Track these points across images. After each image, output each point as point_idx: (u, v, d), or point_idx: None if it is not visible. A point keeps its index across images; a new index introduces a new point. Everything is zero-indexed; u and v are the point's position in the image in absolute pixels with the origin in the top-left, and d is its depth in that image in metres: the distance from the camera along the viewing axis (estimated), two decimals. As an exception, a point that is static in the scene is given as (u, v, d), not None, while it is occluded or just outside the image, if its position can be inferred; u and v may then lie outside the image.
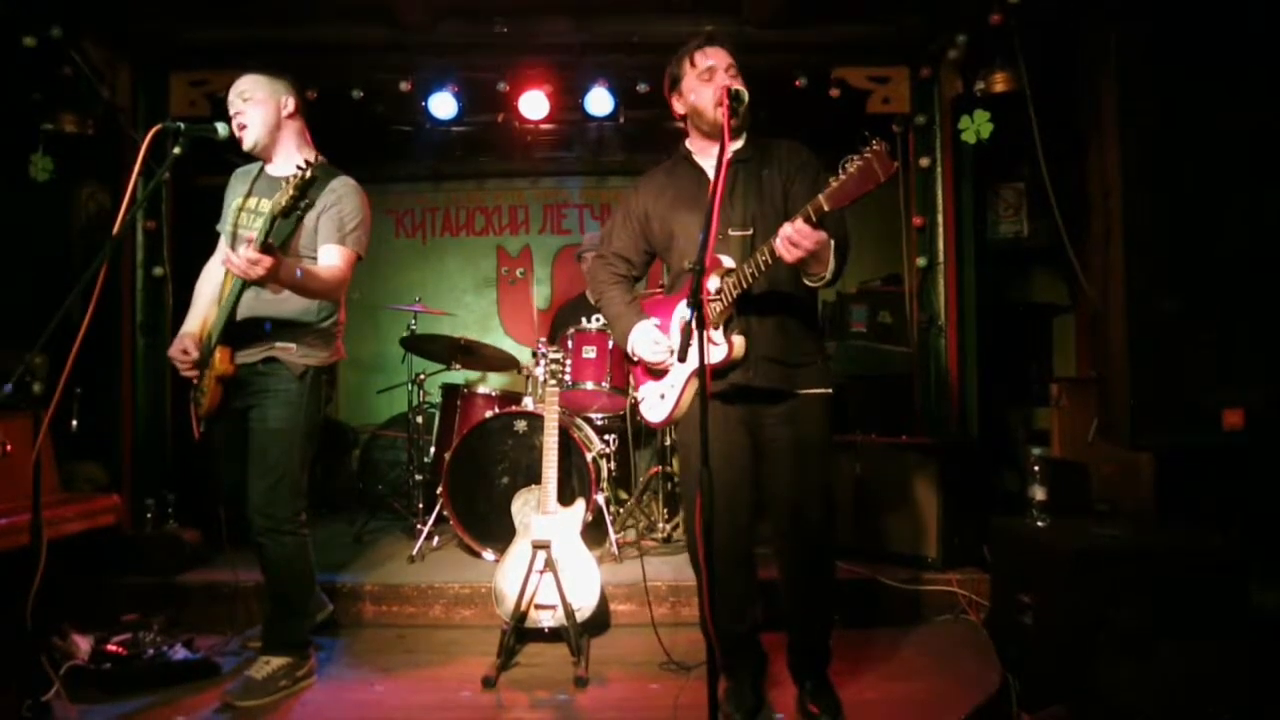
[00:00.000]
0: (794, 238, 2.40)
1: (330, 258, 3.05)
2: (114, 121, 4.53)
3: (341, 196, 3.09)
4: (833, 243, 2.52)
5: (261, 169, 3.24)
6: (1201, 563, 2.84)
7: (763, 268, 2.53)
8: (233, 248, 3.09)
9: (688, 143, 2.94)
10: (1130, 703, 2.67)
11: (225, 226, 3.20)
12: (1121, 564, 2.84)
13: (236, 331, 3.03)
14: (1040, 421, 4.98)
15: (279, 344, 3.08)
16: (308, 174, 2.70)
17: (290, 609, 3.22)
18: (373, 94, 4.91)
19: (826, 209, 2.35)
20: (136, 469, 4.59)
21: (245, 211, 3.15)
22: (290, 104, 3.18)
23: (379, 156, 6.44)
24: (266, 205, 3.00)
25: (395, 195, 7.09)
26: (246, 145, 3.12)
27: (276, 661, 3.12)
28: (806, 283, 2.65)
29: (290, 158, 3.16)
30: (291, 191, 2.72)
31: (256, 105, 3.09)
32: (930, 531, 4.08)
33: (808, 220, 2.38)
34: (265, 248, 2.69)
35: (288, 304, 3.06)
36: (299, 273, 2.84)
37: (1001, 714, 2.92)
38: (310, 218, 3.05)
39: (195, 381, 3.17)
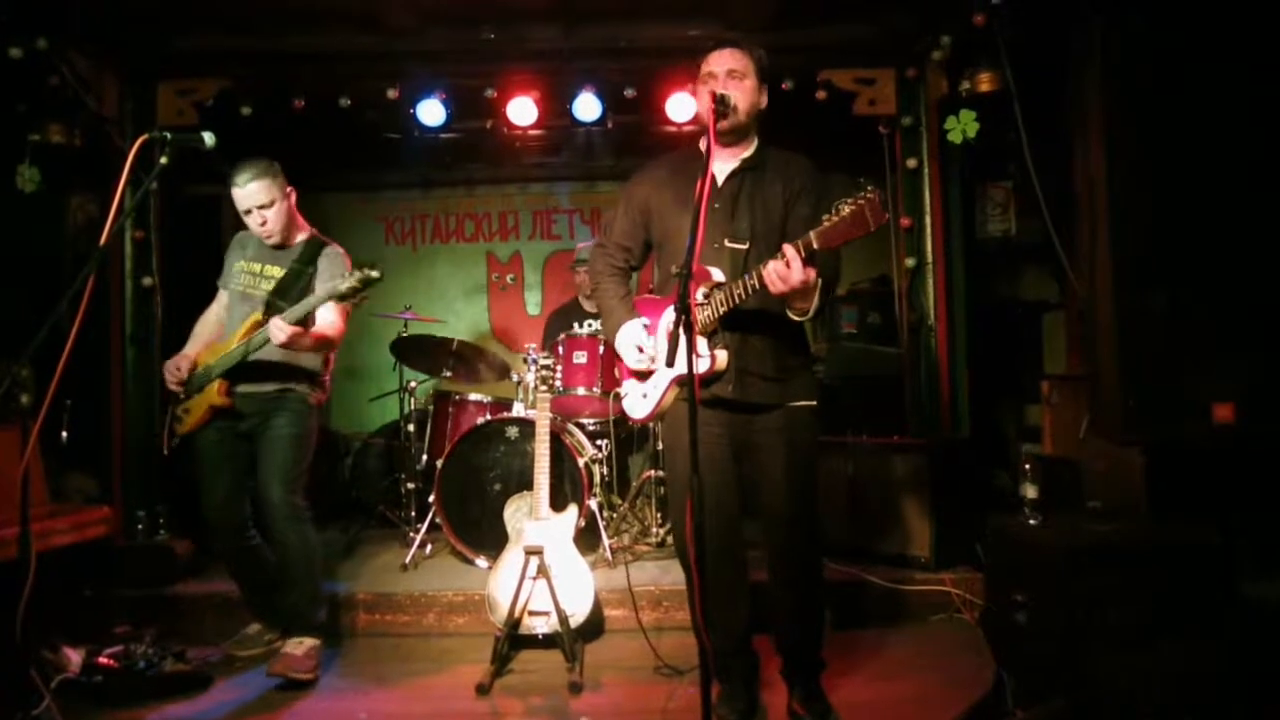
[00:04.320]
0: (782, 273, 2.40)
1: (330, 315, 3.40)
2: (101, 132, 4.52)
3: (333, 262, 3.49)
4: (820, 282, 2.52)
5: (262, 242, 3.53)
6: (1192, 557, 2.85)
7: (750, 292, 2.54)
8: (239, 303, 3.50)
9: (701, 142, 2.92)
10: (1124, 698, 2.68)
11: (234, 286, 3.52)
12: (1113, 560, 2.84)
13: (249, 369, 3.35)
14: (1031, 419, 4.99)
15: (293, 383, 3.46)
16: (373, 276, 3.06)
17: (313, 592, 3.45)
18: (361, 102, 4.90)
19: (815, 247, 2.37)
20: (127, 480, 4.57)
21: (249, 274, 3.51)
22: (289, 189, 3.49)
23: (368, 164, 6.44)
24: (272, 270, 3.49)
25: (385, 202, 7.09)
26: (272, 243, 3.50)
27: (309, 642, 3.35)
28: (789, 315, 2.64)
29: (291, 231, 3.54)
30: (355, 285, 3.08)
31: (272, 209, 3.42)
32: (923, 531, 4.08)
33: (798, 253, 2.39)
34: (301, 323, 3.21)
35: (303, 356, 3.44)
36: (312, 340, 3.31)
37: (996, 712, 2.92)
38: (314, 281, 3.46)
39: (181, 398, 3.45)
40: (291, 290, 3.43)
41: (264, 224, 3.41)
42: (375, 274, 3.07)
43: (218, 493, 3.43)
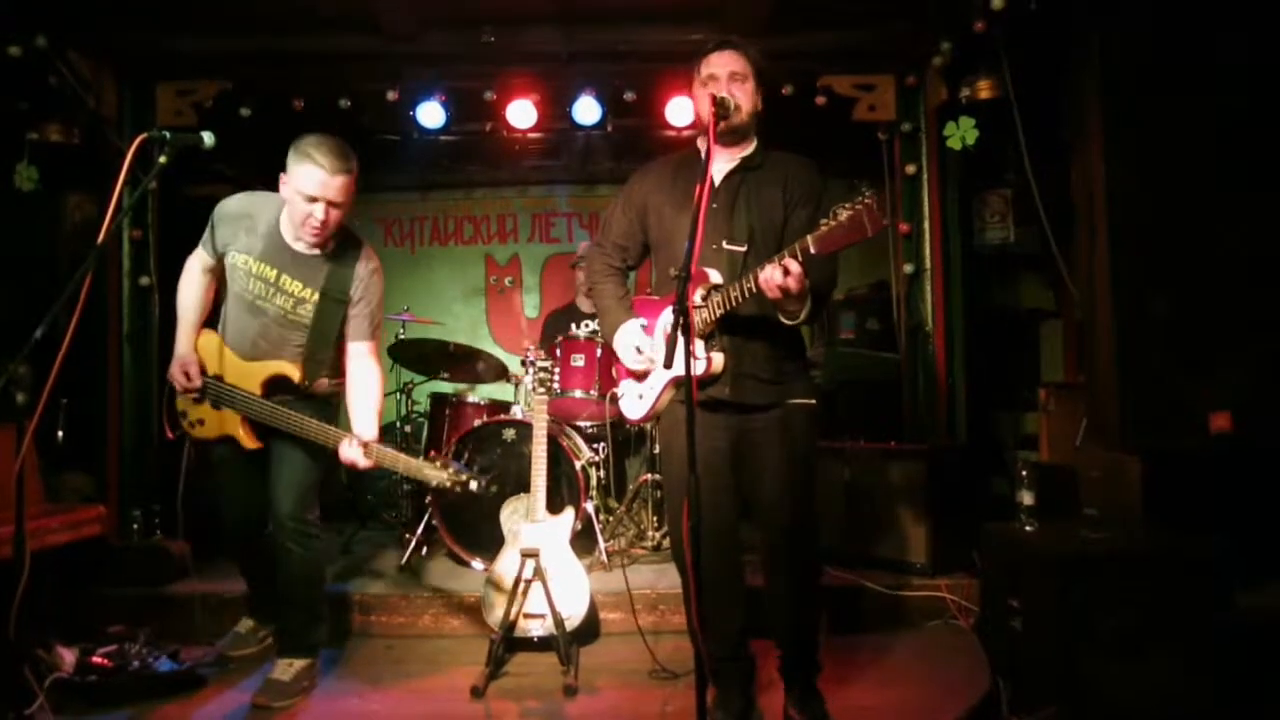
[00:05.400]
0: (779, 279, 2.40)
1: (366, 354, 3.17)
2: (100, 131, 4.52)
3: (368, 288, 3.14)
4: (811, 286, 2.51)
5: (271, 225, 3.09)
6: (1188, 565, 2.85)
7: (747, 294, 2.54)
8: (246, 312, 3.13)
9: (699, 143, 2.93)
10: (1119, 705, 2.68)
11: (238, 289, 3.11)
12: (1109, 568, 2.85)
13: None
14: (1028, 426, 5.00)
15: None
16: (469, 487, 2.90)
17: (312, 612, 3.31)
18: (360, 104, 4.91)
19: (813, 252, 2.36)
20: (123, 480, 4.57)
21: (260, 281, 3.08)
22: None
23: (367, 166, 6.27)
24: (290, 283, 3.05)
25: (383, 204, 7.08)
26: (314, 244, 3.05)
27: (299, 663, 3.22)
28: (781, 319, 2.63)
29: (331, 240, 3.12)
30: (444, 484, 2.90)
31: (340, 210, 3.00)
32: (919, 537, 4.08)
33: (794, 258, 2.38)
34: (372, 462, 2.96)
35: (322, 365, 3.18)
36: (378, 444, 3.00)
37: (991, 718, 2.92)
38: (350, 313, 3.14)
39: (192, 400, 3.22)
40: (328, 336, 3.10)
41: (323, 223, 2.95)
42: (472, 487, 2.92)
43: (238, 501, 3.33)
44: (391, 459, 2.95)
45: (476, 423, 4.60)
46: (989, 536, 3.42)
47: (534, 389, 3.84)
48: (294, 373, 3.09)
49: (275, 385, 3.11)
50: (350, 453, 2.97)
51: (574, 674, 3.31)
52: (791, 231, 2.70)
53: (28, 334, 2.45)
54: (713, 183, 2.77)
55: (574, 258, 6.03)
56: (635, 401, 2.88)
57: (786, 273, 2.40)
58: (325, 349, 3.14)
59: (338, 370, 3.25)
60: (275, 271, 3.08)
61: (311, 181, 2.90)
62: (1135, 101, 3.30)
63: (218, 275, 3.27)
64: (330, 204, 2.94)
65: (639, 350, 2.79)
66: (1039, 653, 2.93)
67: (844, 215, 2.28)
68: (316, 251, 3.10)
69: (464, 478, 2.89)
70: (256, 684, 3.18)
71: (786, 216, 2.76)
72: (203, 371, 3.17)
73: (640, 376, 2.85)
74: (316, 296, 3.09)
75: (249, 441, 3.14)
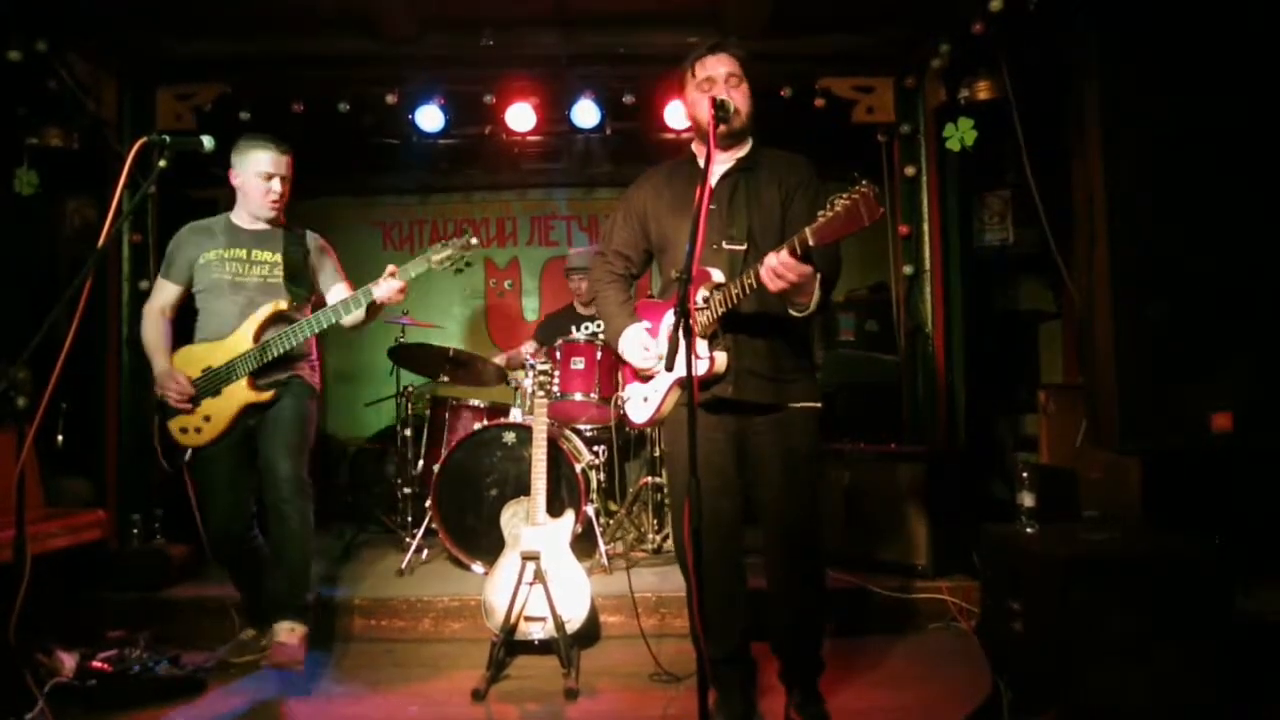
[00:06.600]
0: (778, 270, 2.41)
1: (346, 291, 3.55)
2: (100, 135, 4.52)
3: (323, 246, 3.64)
4: (818, 276, 2.52)
5: (227, 222, 3.50)
6: (1189, 567, 2.84)
7: (747, 291, 2.54)
8: (229, 293, 3.42)
9: (694, 147, 2.95)
10: (1121, 708, 2.67)
11: (216, 276, 3.41)
12: (1110, 570, 2.84)
13: (262, 367, 3.35)
14: (1028, 428, 4.99)
15: (297, 366, 3.48)
16: (473, 242, 3.39)
17: (305, 572, 3.40)
18: (359, 107, 4.91)
19: (811, 244, 2.36)
20: (123, 484, 4.55)
21: (235, 261, 3.43)
22: None
23: (366, 169, 6.43)
24: (261, 254, 3.45)
25: (383, 207, 7.08)
26: (272, 216, 3.48)
27: (300, 629, 3.28)
28: (791, 311, 2.64)
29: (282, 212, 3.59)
30: (457, 254, 3.38)
31: (288, 184, 3.49)
32: (920, 539, 4.08)
33: (793, 252, 2.39)
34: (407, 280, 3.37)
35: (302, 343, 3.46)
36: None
37: (993, 721, 2.92)
38: (311, 261, 3.59)
39: (187, 412, 3.34)
40: (301, 274, 3.49)
41: (279, 196, 3.44)
42: (474, 241, 3.36)
43: (225, 505, 3.38)
44: (406, 271, 3.34)
45: (476, 426, 4.60)
46: (989, 538, 3.41)
47: (534, 392, 3.84)
48: (281, 304, 3.40)
49: (268, 324, 3.37)
50: (385, 289, 3.32)
51: (575, 677, 3.31)
52: (791, 222, 2.71)
53: (27, 338, 2.45)
54: (712, 182, 2.77)
55: (566, 266, 5.96)
56: (640, 405, 2.88)
57: (784, 263, 2.40)
58: (301, 289, 3.49)
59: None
60: (245, 250, 3.45)
61: (266, 160, 3.40)
62: (1135, 101, 3.29)
63: (177, 309, 3.52)
64: (282, 178, 3.44)
65: (647, 349, 2.79)
66: (1040, 655, 2.92)
67: (841, 205, 2.28)
68: (270, 227, 3.51)
69: (464, 239, 3.37)
70: (256, 687, 3.20)
71: (784, 211, 2.77)
72: (192, 377, 3.35)
73: (646, 378, 2.85)
74: (282, 258, 3.48)
75: (259, 395, 3.33)
